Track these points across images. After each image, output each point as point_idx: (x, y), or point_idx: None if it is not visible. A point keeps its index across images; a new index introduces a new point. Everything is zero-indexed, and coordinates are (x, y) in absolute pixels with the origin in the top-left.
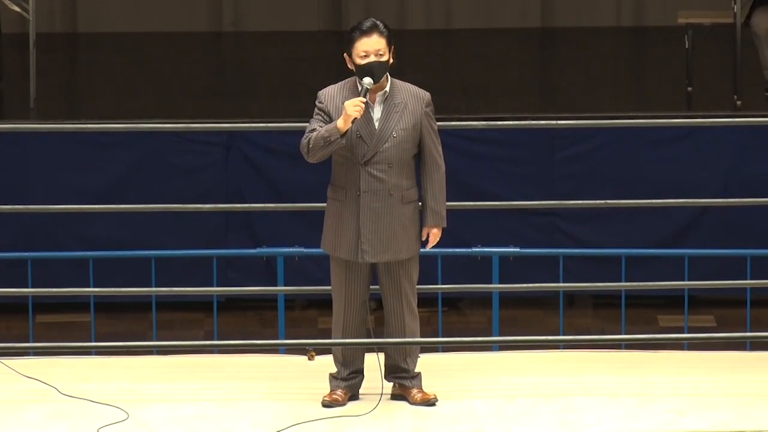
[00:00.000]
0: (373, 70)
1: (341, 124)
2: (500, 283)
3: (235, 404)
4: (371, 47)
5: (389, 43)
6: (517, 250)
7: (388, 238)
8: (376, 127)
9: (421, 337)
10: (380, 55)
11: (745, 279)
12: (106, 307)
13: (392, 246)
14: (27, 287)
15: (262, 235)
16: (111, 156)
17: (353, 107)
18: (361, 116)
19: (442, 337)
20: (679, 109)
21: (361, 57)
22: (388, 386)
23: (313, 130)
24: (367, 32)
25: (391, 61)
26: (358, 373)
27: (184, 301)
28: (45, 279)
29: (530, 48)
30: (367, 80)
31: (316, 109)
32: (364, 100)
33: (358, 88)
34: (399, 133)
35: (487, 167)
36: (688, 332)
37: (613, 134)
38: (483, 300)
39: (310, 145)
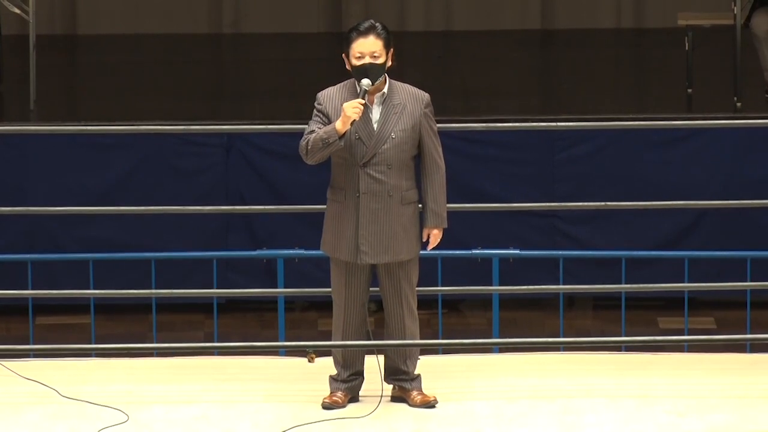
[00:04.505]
0: (367, 72)
1: (340, 126)
2: (500, 284)
3: (235, 406)
4: (366, 49)
5: (387, 46)
6: (517, 251)
7: (388, 239)
8: (375, 129)
9: (421, 338)
10: (375, 57)
11: (745, 281)
12: (106, 308)
13: (392, 247)
14: (27, 289)
15: (262, 236)
16: (111, 157)
17: (352, 109)
18: (360, 118)
19: (442, 338)
20: (679, 111)
21: (356, 58)
22: (388, 388)
23: (312, 131)
24: (363, 33)
25: (390, 63)
26: (358, 375)
27: (184, 303)
28: (45, 280)
29: (530, 49)
30: (365, 82)
31: (315, 111)
32: (363, 101)
33: (357, 90)
34: (398, 134)
35: (487, 169)
36: (688, 334)
37: (614, 136)
38: (483, 302)
39: (309, 147)
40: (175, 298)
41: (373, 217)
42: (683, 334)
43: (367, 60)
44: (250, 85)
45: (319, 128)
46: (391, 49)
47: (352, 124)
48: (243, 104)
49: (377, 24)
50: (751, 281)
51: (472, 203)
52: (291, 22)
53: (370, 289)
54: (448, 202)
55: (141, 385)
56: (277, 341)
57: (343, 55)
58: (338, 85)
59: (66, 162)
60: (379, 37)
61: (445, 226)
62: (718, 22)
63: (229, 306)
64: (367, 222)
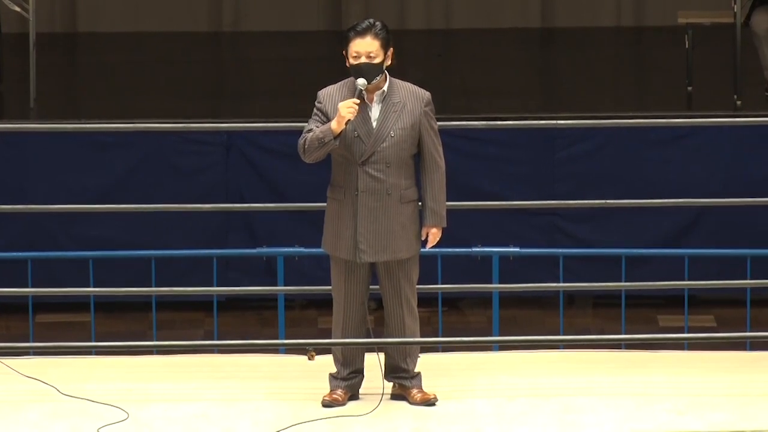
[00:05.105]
0: (362, 72)
1: (335, 125)
2: (500, 282)
3: (235, 404)
4: (363, 49)
5: (384, 46)
6: (517, 249)
7: (387, 237)
8: (374, 127)
9: (421, 336)
10: (371, 57)
11: (745, 279)
12: (106, 306)
13: (391, 245)
14: (27, 287)
15: (261, 235)
16: (111, 156)
17: (346, 108)
18: (359, 116)
19: (442, 337)
20: (679, 109)
21: (353, 57)
22: (388, 386)
23: (310, 130)
24: (360, 33)
25: (388, 62)
26: (358, 373)
27: (184, 301)
28: (45, 279)
29: (530, 48)
30: (361, 81)
31: (314, 109)
32: (358, 101)
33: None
34: (397, 132)
35: (487, 167)
36: (688, 332)
37: (614, 134)
38: (483, 300)
39: (306, 146)
40: (175, 297)
41: (371, 215)
42: (683, 332)
43: (363, 60)
44: (250, 83)
45: (317, 127)
46: (391, 49)
47: (347, 123)
48: (243, 103)
49: (376, 24)
50: (751, 279)
51: (472, 201)
52: (291, 21)
53: (372, 287)
54: (448, 201)
55: (141, 383)
56: (277, 339)
57: (344, 52)
58: (339, 83)
59: (66, 160)
60: (377, 38)
61: (444, 225)
62: (718, 20)
63: (229, 304)
64: (366, 220)
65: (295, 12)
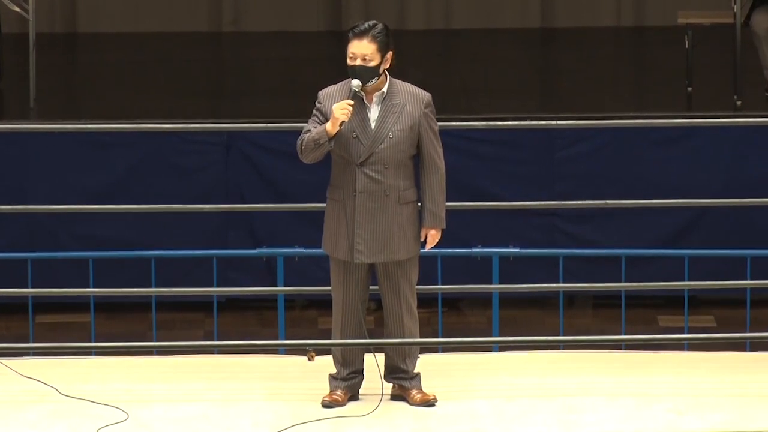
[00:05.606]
0: (357, 74)
1: (330, 127)
2: (500, 283)
3: (235, 404)
4: (358, 51)
5: (382, 49)
6: (517, 250)
7: (385, 238)
8: (373, 128)
9: (421, 337)
10: (366, 60)
11: (745, 279)
12: (106, 307)
13: (389, 247)
14: (27, 287)
15: (262, 235)
16: (111, 156)
17: (340, 110)
18: (357, 117)
19: (442, 337)
20: (679, 109)
21: (349, 59)
22: (388, 387)
23: (308, 131)
24: (358, 35)
25: (387, 65)
26: (358, 374)
27: (184, 302)
28: (45, 279)
29: (530, 48)
30: (355, 82)
31: (314, 110)
32: (352, 102)
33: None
34: (395, 134)
35: (487, 167)
36: (688, 332)
37: (613, 134)
38: (483, 300)
39: (303, 147)
40: (175, 297)
41: (369, 216)
42: (683, 333)
43: (358, 62)
44: (250, 83)
45: (315, 127)
46: (391, 52)
47: (341, 125)
48: (243, 103)
49: (376, 26)
50: (751, 280)
51: (472, 201)
52: (291, 21)
53: (371, 287)
54: (448, 201)
55: (141, 384)
56: (276, 340)
57: (345, 52)
58: (340, 83)
59: (66, 160)
60: (374, 41)
61: (443, 226)
62: (718, 20)
63: (229, 304)
64: (364, 221)
65: (295, 12)
